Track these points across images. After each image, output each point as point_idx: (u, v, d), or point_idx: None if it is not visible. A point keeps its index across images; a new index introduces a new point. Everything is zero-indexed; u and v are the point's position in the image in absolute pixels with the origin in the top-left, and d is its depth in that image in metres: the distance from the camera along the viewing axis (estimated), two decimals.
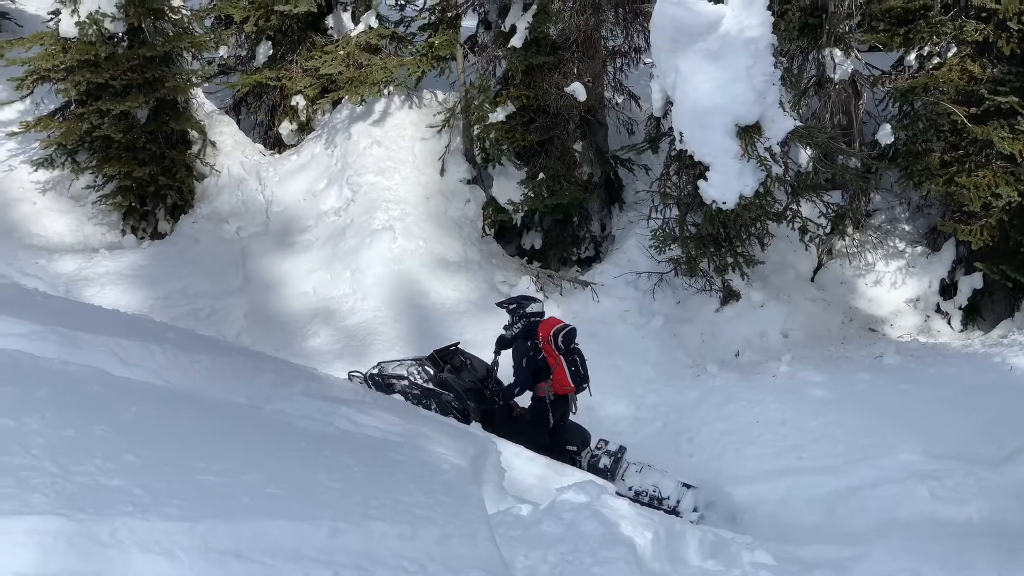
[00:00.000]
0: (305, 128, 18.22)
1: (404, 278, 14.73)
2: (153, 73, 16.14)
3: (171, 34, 16.69)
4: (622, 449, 11.22)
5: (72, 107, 16.43)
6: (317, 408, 6.78)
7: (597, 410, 12.33)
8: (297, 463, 5.64)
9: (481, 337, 13.75)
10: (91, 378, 6.33)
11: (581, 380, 11.06)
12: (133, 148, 16.12)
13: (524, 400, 11.24)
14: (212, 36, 18.22)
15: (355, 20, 17.74)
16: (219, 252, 15.66)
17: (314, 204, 16.20)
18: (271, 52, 18.48)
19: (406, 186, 15.91)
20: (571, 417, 11.21)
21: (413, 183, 15.98)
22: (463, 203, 16.07)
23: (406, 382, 11.23)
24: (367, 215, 15.49)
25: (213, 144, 17.16)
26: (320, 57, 17.18)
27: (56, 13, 16.35)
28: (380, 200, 15.65)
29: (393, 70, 16.49)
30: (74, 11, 15.75)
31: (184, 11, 17.19)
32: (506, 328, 11.45)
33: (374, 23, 17.07)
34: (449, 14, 16.42)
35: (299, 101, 18.19)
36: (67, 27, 15.78)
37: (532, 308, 11.31)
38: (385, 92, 16.75)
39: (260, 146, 18.18)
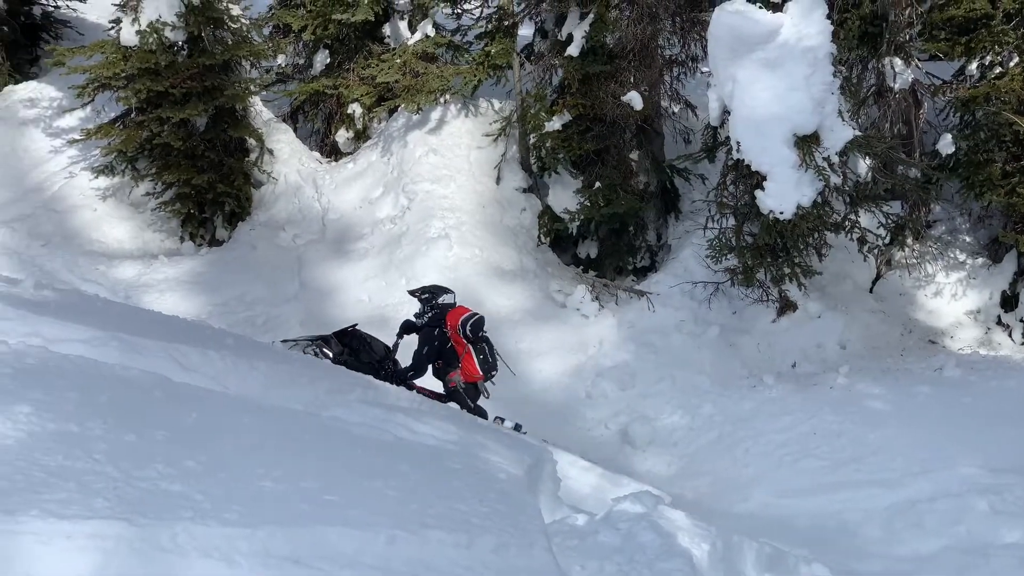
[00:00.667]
0: (361, 136, 18.31)
1: (459, 286, 14.66)
2: (212, 81, 16.31)
3: (230, 43, 16.86)
4: (518, 427, 11.16)
5: (132, 115, 16.62)
6: (373, 415, 6.79)
7: (653, 420, 12.32)
8: (354, 470, 5.65)
9: (536, 346, 13.79)
10: (151, 384, 6.38)
11: (490, 368, 11.22)
12: (192, 156, 16.28)
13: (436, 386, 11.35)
14: (270, 45, 18.37)
15: (412, 29, 17.81)
16: (276, 259, 15.77)
17: (370, 212, 16.27)
18: (328, 60, 18.60)
19: (462, 194, 15.95)
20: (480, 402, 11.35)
21: (469, 191, 16.01)
22: (519, 212, 16.07)
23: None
24: (423, 223, 15.54)
25: (270, 152, 17.29)
26: (377, 65, 17.26)
27: (117, 22, 16.56)
28: (436, 208, 15.70)
29: (449, 78, 16.54)
30: (135, 20, 15.94)
31: (243, 20, 17.34)
32: (417, 316, 11.58)
33: (431, 32, 17.14)
34: (506, 23, 16.45)
35: (356, 109, 18.29)
36: (128, 36, 15.97)
37: (444, 299, 11.50)
38: (441, 100, 16.81)
39: (317, 154, 18.30)
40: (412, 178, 16.19)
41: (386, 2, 17.86)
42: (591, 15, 15.28)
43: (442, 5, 17.87)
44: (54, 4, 21.74)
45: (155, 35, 15.83)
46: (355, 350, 11.58)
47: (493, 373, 11.28)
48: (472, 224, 15.62)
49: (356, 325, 12.02)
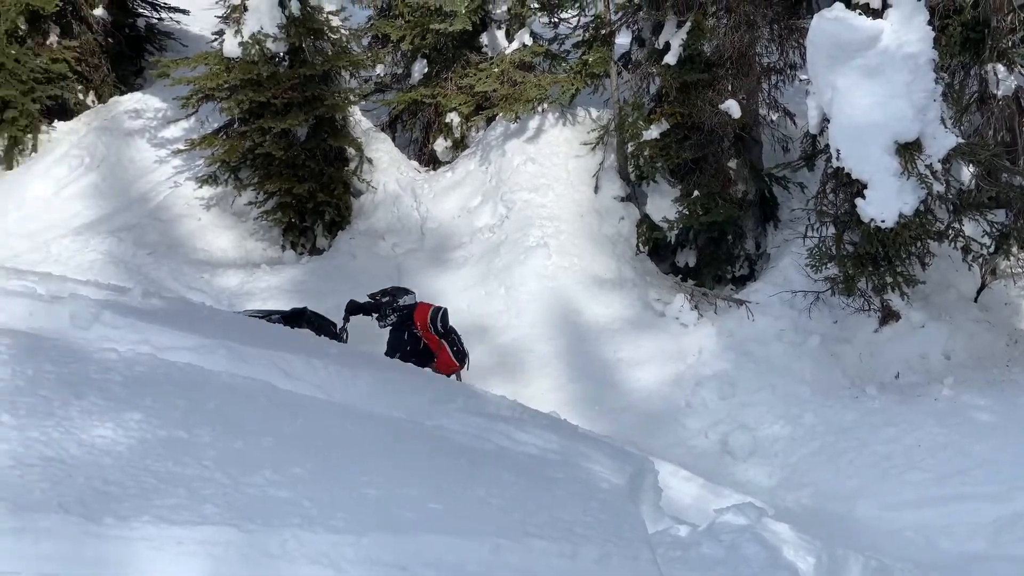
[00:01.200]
0: (459, 145, 18.40)
1: (558, 295, 14.75)
2: (313, 92, 16.51)
3: (330, 53, 17.06)
4: None
5: (235, 125, 16.90)
6: (475, 424, 6.83)
7: (754, 429, 12.21)
8: (457, 479, 5.69)
9: (635, 355, 13.74)
10: (257, 391, 6.48)
11: (463, 357, 11.61)
12: (293, 165, 16.49)
13: None
14: (369, 55, 18.56)
15: (509, 38, 17.87)
16: (375, 268, 15.89)
17: (468, 221, 16.34)
18: (426, 70, 18.71)
19: (560, 203, 15.95)
20: None
21: (567, 200, 16.01)
22: (617, 220, 16.03)
23: None
24: (521, 232, 15.57)
25: (370, 161, 17.45)
26: (475, 75, 17.35)
27: (220, 34, 16.85)
28: (534, 217, 15.72)
29: (547, 87, 16.56)
30: (237, 32, 16.21)
31: (342, 31, 17.55)
32: (379, 318, 11.76)
33: (528, 41, 17.18)
34: (603, 31, 16.42)
35: (453, 118, 18.39)
36: (231, 47, 16.25)
37: (405, 300, 11.72)
38: (539, 109, 16.84)
39: (415, 163, 18.42)
40: (510, 187, 16.23)
41: (484, 12, 17.94)
42: (688, 23, 15.20)
43: (539, 14, 17.94)
44: (158, 16, 22.15)
45: (257, 46, 16.08)
46: (317, 328, 11.69)
47: (467, 361, 11.65)
48: (570, 233, 15.62)
49: (306, 308, 12.16)
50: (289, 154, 16.42)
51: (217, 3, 17.52)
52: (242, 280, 15.45)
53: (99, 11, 20.33)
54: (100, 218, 16.93)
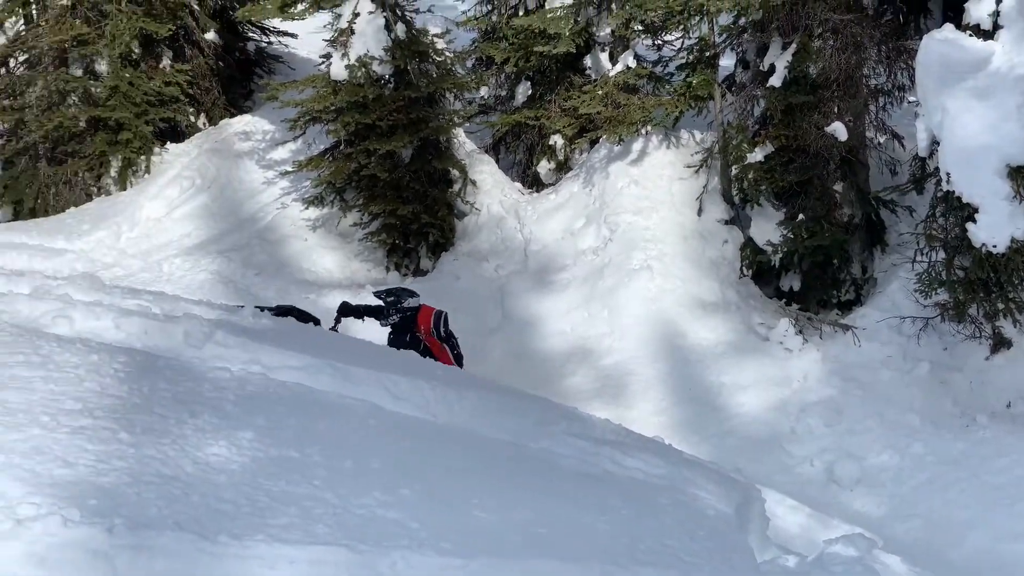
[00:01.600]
0: (563, 167, 18.43)
1: (661, 318, 14.69)
2: (417, 114, 16.69)
3: (435, 75, 17.25)
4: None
5: (341, 147, 17.13)
6: (581, 448, 6.82)
7: (861, 458, 12.02)
8: (564, 503, 5.69)
9: (739, 379, 13.61)
10: (365, 412, 6.55)
11: (461, 360, 11.69)
12: (397, 187, 16.65)
13: None
14: (473, 77, 18.71)
15: (613, 60, 17.86)
16: (479, 290, 15.97)
17: (572, 243, 16.33)
18: (530, 92, 18.79)
19: (664, 226, 15.88)
20: None
21: (671, 223, 15.94)
22: (720, 244, 15.92)
23: None
24: (625, 254, 15.53)
25: (473, 183, 17.55)
26: (578, 97, 17.37)
27: (327, 57, 17.10)
28: (638, 240, 15.67)
29: (651, 110, 16.52)
30: (344, 55, 16.44)
31: (447, 53, 17.73)
32: (382, 317, 11.73)
33: (632, 63, 17.17)
34: (707, 53, 16.35)
35: (557, 140, 18.42)
36: (337, 70, 16.49)
37: (410, 302, 11.72)
38: (643, 132, 16.79)
39: (519, 185, 18.48)
40: (614, 209, 16.20)
41: (587, 34, 17.95)
42: (794, 45, 15.07)
43: (643, 37, 17.92)
44: (267, 40, 22.56)
45: (363, 69, 16.30)
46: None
47: (463, 364, 11.72)
48: (674, 256, 15.54)
49: (294, 306, 12.19)
50: (394, 176, 16.58)
51: (325, 27, 17.79)
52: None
53: (211, 35, 20.78)
54: (210, 238, 17.27)
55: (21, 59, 19.75)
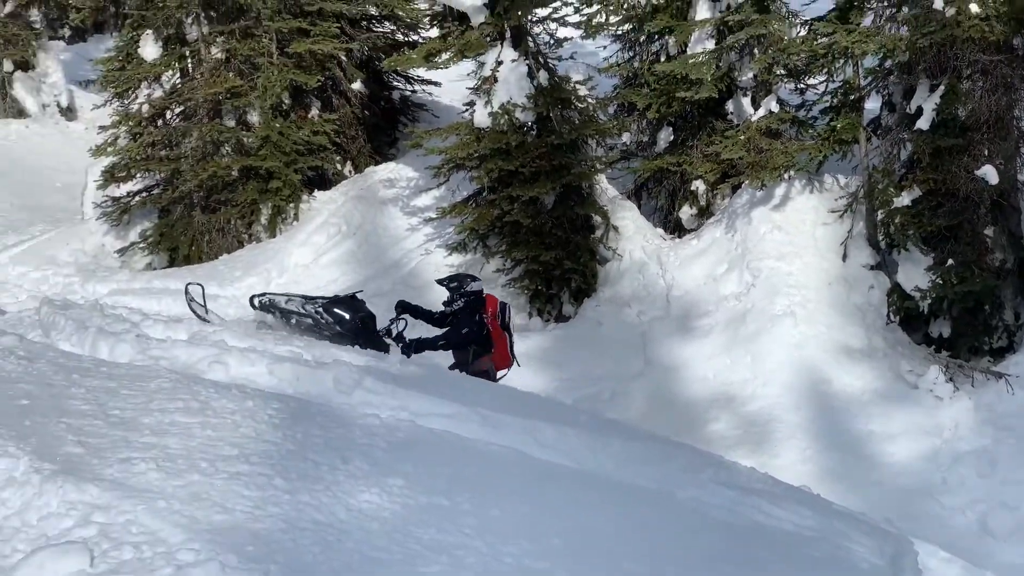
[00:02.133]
0: (705, 212, 18.36)
1: (805, 365, 14.50)
2: (560, 160, 16.81)
3: (577, 122, 17.39)
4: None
5: (484, 193, 17.35)
6: (728, 497, 6.77)
7: (1016, 508, 11.70)
8: (715, 556, 5.65)
9: (887, 428, 13.38)
10: (512, 460, 6.60)
11: (513, 356, 11.56)
12: (540, 233, 16.77)
13: None
14: (615, 123, 18.77)
15: (755, 105, 17.76)
16: (621, 336, 15.96)
17: (714, 288, 16.24)
18: (672, 137, 18.81)
19: (807, 271, 15.70)
20: None
21: (814, 268, 15.75)
22: (866, 289, 15.67)
23: (300, 312, 11.28)
24: (768, 300, 15.39)
25: (615, 229, 17.57)
26: (720, 142, 17.31)
27: (470, 104, 17.39)
28: (781, 285, 15.52)
29: (794, 154, 16.37)
30: (487, 102, 16.68)
31: (589, 100, 17.85)
32: (445, 304, 11.57)
33: (775, 107, 17.04)
34: (852, 97, 16.18)
35: (699, 186, 18.38)
36: (481, 117, 16.73)
37: (473, 286, 11.50)
38: (786, 176, 16.64)
39: (660, 230, 18.45)
40: (756, 255, 16.08)
41: (730, 79, 17.91)
42: (942, 87, 14.84)
43: (786, 81, 17.81)
44: (411, 89, 22.96)
45: (506, 116, 16.51)
46: (365, 320, 11.63)
47: (514, 359, 11.64)
48: (818, 302, 15.35)
49: (356, 293, 12.09)
50: (536, 222, 16.71)
51: (468, 75, 18.08)
52: None
53: (357, 85, 21.24)
54: (356, 284, 17.54)
55: (177, 111, 20.42)
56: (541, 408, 8.45)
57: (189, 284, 11.67)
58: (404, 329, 11.48)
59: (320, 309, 11.29)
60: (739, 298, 15.84)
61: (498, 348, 11.48)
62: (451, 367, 11.34)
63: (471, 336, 11.32)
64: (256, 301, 11.58)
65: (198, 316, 11.54)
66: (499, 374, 11.42)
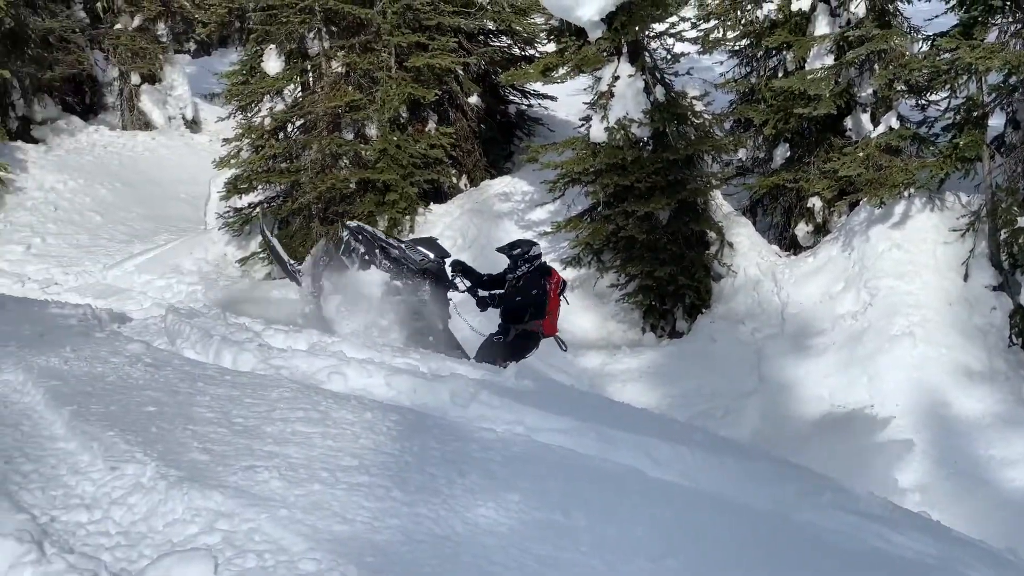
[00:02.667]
0: (821, 230, 18.19)
1: (924, 386, 14.25)
2: (675, 175, 16.80)
3: (693, 137, 17.34)
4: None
5: (599, 208, 17.39)
6: (847, 522, 6.67)
7: None
8: None
9: (1008, 453, 13.08)
10: (628, 477, 6.59)
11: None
12: (654, 248, 16.77)
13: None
14: (731, 139, 18.69)
15: (875, 121, 17.57)
16: (734, 352, 15.87)
17: (830, 307, 16.06)
18: (788, 154, 18.69)
19: (927, 291, 15.45)
20: None
21: (934, 288, 15.49)
22: (988, 310, 15.36)
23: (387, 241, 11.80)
24: (885, 320, 15.17)
25: (730, 245, 17.50)
26: (838, 159, 17.12)
27: (586, 119, 17.47)
28: (899, 305, 15.29)
29: (914, 172, 16.13)
30: (604, 117, 16.74)
31: (705, 115, 17.80)
32: (509, 271, 11.85)
33: (895, 124, 16.82)
34: (975, 113, 15.90)
35: (815, 203, 18.22)
36: (597, 132, 16.80)
37: (535, 251, 11.79)
38: (905, 194, 16.41)
39: (775, 247, 18.32)
40: (874, 273, 15.87)
41: (848, 95, 17.73)
42: None
43: (907, 97, 17.57)
44: (527, 103, 23.10)
45: (622, 131, 16.54)
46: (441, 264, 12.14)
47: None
48: (938, 322, 15.08)
49: (434, 238, 12.21)
50: (651, 237, 16.71)
51: (584, 90, 18.12)
52: (603, 361, 15.76)
53: (474, 99, 21.44)
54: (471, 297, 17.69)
55: (298, 124, 20.79)
56: (655, 425, 8.41)
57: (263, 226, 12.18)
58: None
59: (404, 245, 12.16)
60: (856, 317, 15.65)
61: (552, 315, 11.70)
62: (502, 326, 11.81)
63: (538, 299, 11.53)
64: (349, 226, 11.96)
65: (280, 262, 11.99)
66: (543, 339, 11.92)
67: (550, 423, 7.39)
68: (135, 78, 27.14)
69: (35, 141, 24.77)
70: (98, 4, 27.50)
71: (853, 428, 13.98)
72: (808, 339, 15.78)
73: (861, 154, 16.77)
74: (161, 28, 27.67)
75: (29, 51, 24.59)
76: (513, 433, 7.02)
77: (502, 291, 12.08)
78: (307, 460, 5.81)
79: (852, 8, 17.54)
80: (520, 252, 12.08)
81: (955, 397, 14.13)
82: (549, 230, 18.02)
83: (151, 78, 27.27)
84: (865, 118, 17.96)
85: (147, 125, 26.81)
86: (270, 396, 7.00)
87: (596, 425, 7.38)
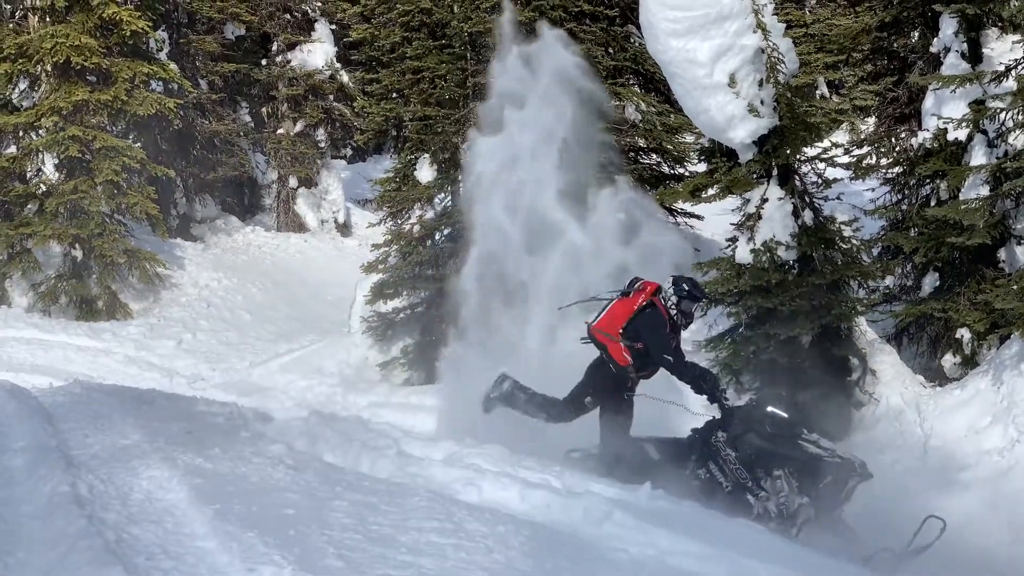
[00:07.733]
0: (969, 362, 17.76)
1: None
2: (820, 300, 16.65)
3: (839, 263, 17.19)
4: None
5: (741, 329, 17.29)
6: None
7: None
8: None
9: None
10: None
11: None
12: (795, 372, 16.58)
13: None
14: (879, 265, 18.48)
15: None
16: (873, 483, 15.50)
17: (975, 442, 15.65)
18: (937, 283, 18.37)
19: None
20: None
21: None
22: None
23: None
24: None
25: (873, 373, 17.24)
26: (991, 290, 16.79)
27: (732, 240, 17.46)
28: None
29: None
30: (750, 239, 16.73)
31: (853, 240, 17.65)
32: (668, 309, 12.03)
33: None
34: None
35: (964, 334, 17.82)
36: (743, 253, 16.80)
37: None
38: None
39: (920, 378, 17.94)
40: (1023, 409, 15.46)
41: (1003, 226, 17.44)
42: None
43: None
44: (674, 221, 23.22)
45: (768, 254, 16.51)
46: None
47: None
48: None
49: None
50: (792, 361, 16.55)
51: (732, 211, 18.16)
52: None
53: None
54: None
55: (446, 232, 21.14)
56: (790, 555, 8.32)
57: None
58: None
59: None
60: (1002, 454, 15.21)
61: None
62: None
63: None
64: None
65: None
66: None
67: (684, 547, 7.37)
68: (293, 181, 28.05)
69: (193, 239, 25.69)
70: (263, 110, 28.57)
71: (995, 570, 13.53)
72: (951, 474, 15.33)
73: (1015, 287, 16.42)
74: (321, 134, 28.60)
75: (195, 152, 25.61)
76: (645, 555, 7.02)
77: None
78: (440, 572, 5.89)
79: (1011, 140, 17.31)
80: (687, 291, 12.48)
81: None
82: (689, 349, 17.94)
83: (308, 181, 28.14)
84: (1020, 250, 17.62)
85: (300, 227, 27.61)
86: (405, 504, 7.13)
87: (730, 553, 7.34)
